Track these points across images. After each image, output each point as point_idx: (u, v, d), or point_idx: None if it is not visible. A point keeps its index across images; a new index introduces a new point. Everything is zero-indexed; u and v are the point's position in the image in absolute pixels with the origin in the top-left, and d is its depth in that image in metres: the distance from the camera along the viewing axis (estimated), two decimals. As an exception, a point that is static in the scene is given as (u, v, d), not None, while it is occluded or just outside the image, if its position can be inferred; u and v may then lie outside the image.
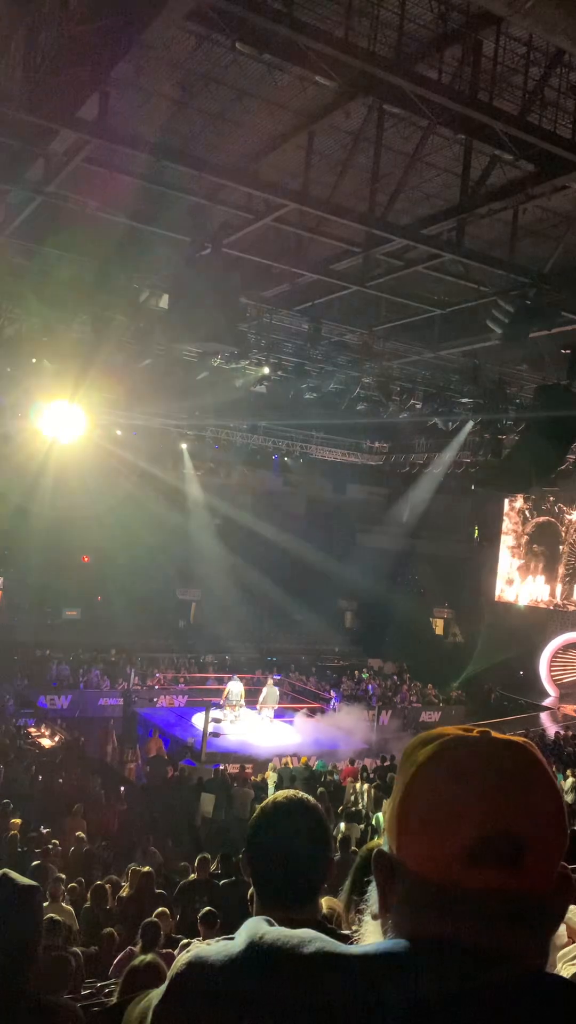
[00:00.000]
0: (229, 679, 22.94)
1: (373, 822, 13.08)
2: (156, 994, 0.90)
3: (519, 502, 31.43)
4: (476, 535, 34.33)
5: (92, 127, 7.87)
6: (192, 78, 8.73)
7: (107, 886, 8.71)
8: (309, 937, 0.87)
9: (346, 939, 0.99)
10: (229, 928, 6.43)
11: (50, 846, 10.34)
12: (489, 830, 0.84)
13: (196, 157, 9.12)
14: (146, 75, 8.50)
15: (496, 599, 32.38)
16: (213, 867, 9.32)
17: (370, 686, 27.36)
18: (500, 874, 0.83)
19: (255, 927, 0.90)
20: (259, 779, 16.23)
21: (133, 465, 29.18)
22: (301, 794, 1.81)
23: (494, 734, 0.93)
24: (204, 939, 6.22)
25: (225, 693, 21.92)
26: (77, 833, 11.25)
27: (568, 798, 14.52)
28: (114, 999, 5.02)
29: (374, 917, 0.94)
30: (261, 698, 22.48)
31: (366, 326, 14.97)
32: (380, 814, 12.68)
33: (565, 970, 3.42)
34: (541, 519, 31.17)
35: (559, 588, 30.45)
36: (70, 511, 28.73)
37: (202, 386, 17.84)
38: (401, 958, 0.83)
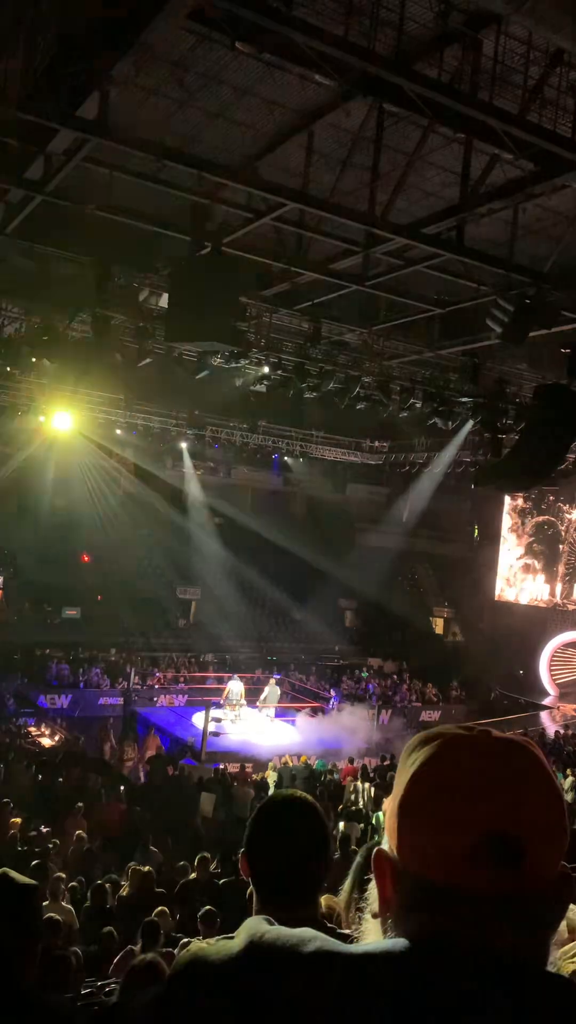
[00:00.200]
0: (229, 678, 22.95)
1: (373, 821, 13.08)
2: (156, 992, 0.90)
3: (519, 501, 31.44)
4: (476, 534, 34.34)
5: (92, 126, 7.87)
6: (192, 77, 8.73)
7: (107, 885, 8.70)
8: (309, 936, 0.87)
9: (346, 938, 0.99)
10: (229, 927, 6.43)
11: (50, 845, 10.34)
12: (489, 831, 0.84)
13: (196, 156, 9.12)
14: (146, 74, 8.49)
15: (496, 598, 32.39)
16: (213, 866, 9.32)
17: (370, 685, 27.36)
18: (500, 875, 0.83)
19: (255, 926, 0.90)
20: (258, 778, 16.23)
21: (133, 464, 29.21)
22: (300, 793, 1.82)
23: (494, 733, 0.93)
24: (204, 938, 6.23)
25: (225, 692, 21.92)
26: (77, 832, 11.25)
27: (568, 797, 14.52)
28: (114, 999, 5.03)
29: (374, 916, 0.94)
30: (262, 697, 22.48)
31: (366, 325, 14.98)
32: (380, 813, 12.67)
33: (565, 968, 3.42)
34: (541, 518, 31.18)
35: (559, 587, 30.46)
36: (70, 511, 28.75)
37: (202, 385, 17.83)
38: (401, 958, 0.83)
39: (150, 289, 13.43)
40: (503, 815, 0.85)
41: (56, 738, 19.05)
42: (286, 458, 28.27)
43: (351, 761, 17.70)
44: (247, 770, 16.88)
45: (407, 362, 17.26)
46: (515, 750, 0.91)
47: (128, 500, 29.92)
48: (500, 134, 7.63)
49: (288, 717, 22.89)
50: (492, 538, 32.78)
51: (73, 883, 8.86)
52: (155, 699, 24.01)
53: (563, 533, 30.45)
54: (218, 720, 20.62)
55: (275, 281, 12.95)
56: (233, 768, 16.90)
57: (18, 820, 11.25)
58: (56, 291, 13.75)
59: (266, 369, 15.85)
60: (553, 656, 30.31)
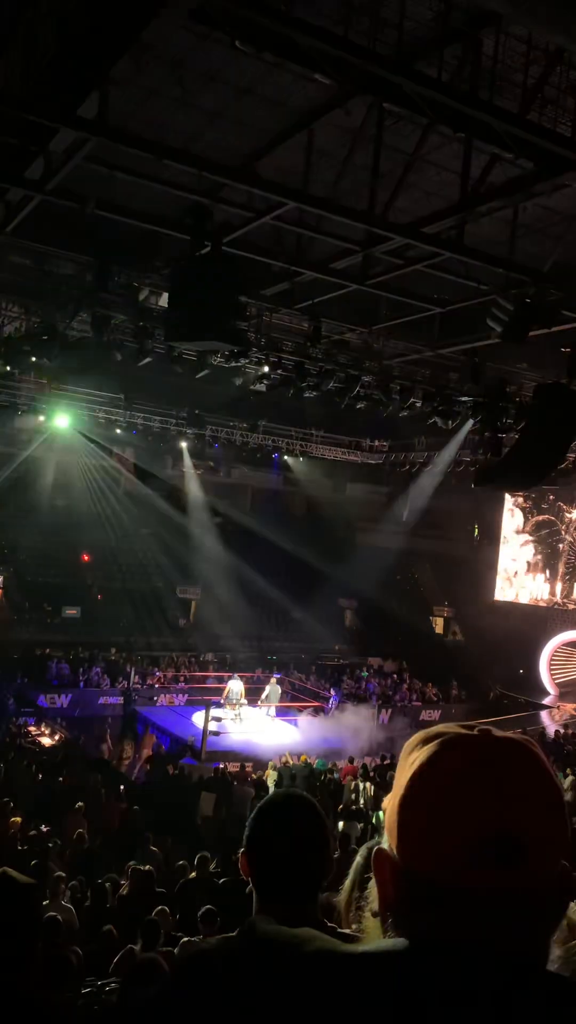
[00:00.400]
0: (229, 678, 22.96)
1: (373, 820, 13.09)
2: (156, 991, 0.90)
3: (519, 500, 31.44)
4: (476, 533, 34.36)
5: (92, 125, 7.86)
6: (192, 76, 8.73)
7: (107, 885, 8.71)
8: (309, 936, 0.87)
9: (347, 938, 0.99)
10: (229, 927, 6.44)
11: (50, 844, 10.34)
12: (489, 831, 0.83)
13: (196, 155, 9.11)
14: (146, 73, 8.50)
15: (496, 598, 32.40)
16: (213, 866, 9.33)
17: (370, 685, 27.37)
18: (501, 874, 0.83)
19: (255, 926, 0.90)
20: (257, 776, 16.23)
21: (133, 464, 29.23)
22: (300, 792, 1.82)
23: (494, 732, 0.93)
24: (204, 938, 6.23)
25: (225, 692, 21.93)
26: (77, 832, 11.26)
27: (568, 796, 14.53)
28: (114, 998, 5.03)
29: (374, 915, 0.94)
30: (264, 696, 22.51)
31: (366, 324, 14.97)
32: (380, 812, 12.66)
33: (565, 967, 3.43)
34: (541, 517, 31.19)
35: (559, 586, 30.47)
36: (70, 510, 28.77)
37: (202, 385, 17.84)
38: (402, 958, 0.83)
39: (150, 288, 13.44)
40: (503, 814, 0.84)
41: (56, 738, 19.06)
42: (286, 457, 28.27)
43: (351, 760, 17.70)
44: (247, 769, 16.89)
45: (407, 361, 17.26)
46: (515, 749, 0.90)
47: (128, 500, 29.94)
48: (500, 133, 7.62)
49: (289, 716, 22.89)
50: (492, 537, 32.80)
51: (73, 882, 8.87)
52: (155, 698, 24.02)
53: (563, 532, 30.47)
54: (218, 720, 20.62)
55: (275, 280, 12.95)
56: (233, 767, 16.91)
57: (18, 819, 11.26)
58: (56, 290, 13.76)
59: (266, 368, 15.85)
60: (553, 655, 30.32)
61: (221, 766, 16.39)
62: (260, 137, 9.73)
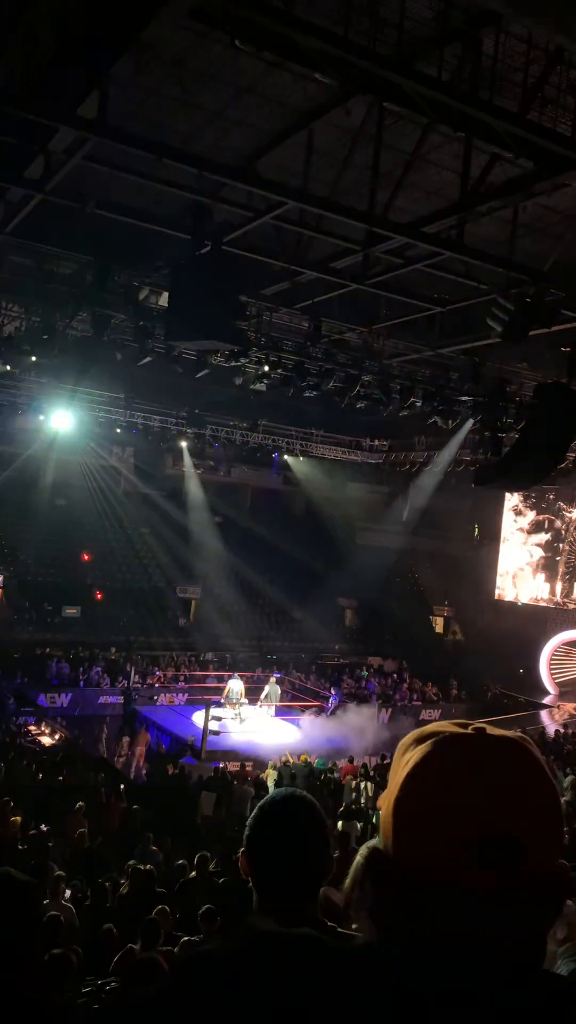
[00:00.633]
0: (229, 677, 22.97)
1: (374, 820, 13.09)
2: (154, 991, 0.89)
3: (519, 500, 31.44)
4: (476, 533, 34.35)
5: (92, 125, 7.86)
6: (192, 76, 8.72)
7: (107, 884, 8.71)
8: (306, 937, 0.87)
9: (346, 938, 0.99)
10: (229, 927, 6.44)
11: (50, 844, 10.35)
12: (485, 831, 0.83)
13: (196, 155, 9.10)
14: (146, 73, 8.49)
15: (496, 597, 32.40)
16: (212, 865, 9.33)
17: (370, 684, 27.37)
18: (497, 873, 0.83)
19: (253, 926, 0.90)
20: (256, 775, 16.22)
21: (133, 463, 29.22)
22: (300, 792, 1.81)
23: (489, 730, 0.92)
24: (204, 937, 6.23)
25: (226, 691, 21.93)
26: (78, 831, 11.26)
27: (568, 796, 14.52)
28: (114, 998, 5.04)
29: (371, 915, 0.94)
30: (263, 695, 22.50)
31: (366, 324, 14.97)
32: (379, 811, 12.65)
33: (564, 967, 3.42)
34: (541, 517, 31.20)
35: (559, 586, 30.47)
36: (70, 509, 28.77)
37: (202, 384, 17.83)
38: (399, 958, 0.83)
39: (150, 288, 13.43)
40: (499, 813, 0.84)
41: (56, 737, 19.06)
42: (286, 457, 28.27)
43: (351, 760, 17.70)
44: (247, 769, 16.89)
45: (407, 361, 17.26)
46: (510, 748, 0.90)
47: (128, 499, 29.94)
48: (500, 133, 7.62)
49: (290, 716, 22.89)
50: (492, 537, 32.80)
51: (74, 881, 8.87)
52: (155, 698, 24.03)
53: (563, 532, 30.47)
54: (219, 719, 20.62)
55: (275, 280, 12.95)
56: (233, 767, 16.91)
57: (18, 819, 11.26)
58: (56, 290, 13.75)
59: (266, 367, 15.84)
60: (553, 655, 30.34)
61: (221, 765, 16.39)
62: (260, 137, 9.72)
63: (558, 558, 30.51)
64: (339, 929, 1.75)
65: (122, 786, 14.93)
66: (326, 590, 30.38)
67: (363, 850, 0.94)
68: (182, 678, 25.72)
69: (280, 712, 22.79)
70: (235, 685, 21.95)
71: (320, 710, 23.21)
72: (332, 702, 24.01)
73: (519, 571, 31.81)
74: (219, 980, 0.84)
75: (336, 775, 16.83)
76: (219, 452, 27.32)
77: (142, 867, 8.63)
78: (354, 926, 1.03)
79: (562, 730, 23.32)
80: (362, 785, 15.58)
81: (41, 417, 21.96)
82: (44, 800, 13.25)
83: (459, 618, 33.54)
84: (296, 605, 30.53)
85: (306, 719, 22.25)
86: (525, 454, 14.76)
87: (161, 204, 10.63)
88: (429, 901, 0.85)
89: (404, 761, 0.92)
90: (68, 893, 8.35)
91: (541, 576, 31.09)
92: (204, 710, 19.99)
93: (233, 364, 15.64)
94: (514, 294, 10.48)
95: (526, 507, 31.34)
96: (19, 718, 20.22)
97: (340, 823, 12.85)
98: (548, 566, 30.85)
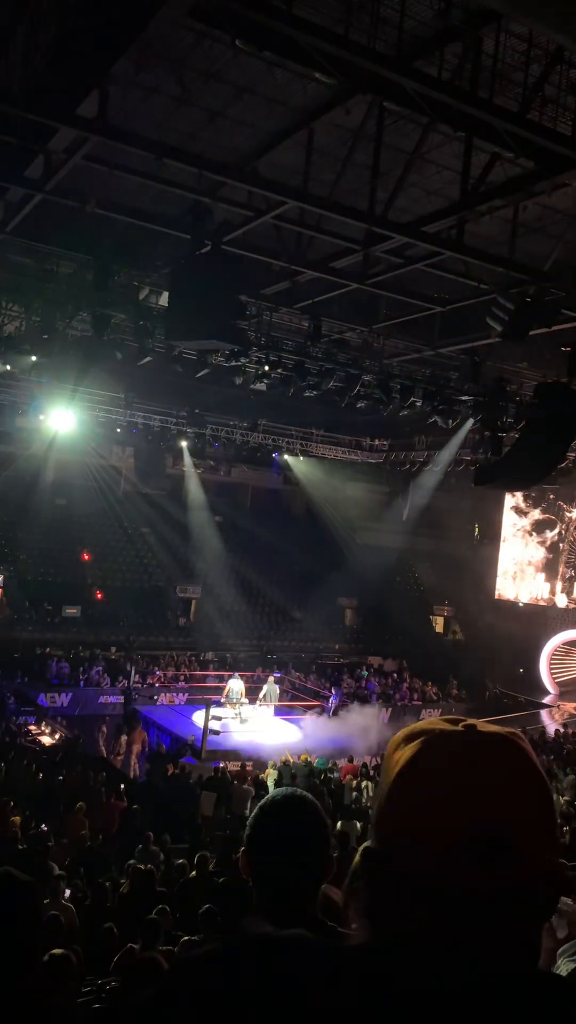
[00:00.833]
0: (230, 677, 22.97)
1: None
2: (145, 998, 0.88)
3: (519, 500, 31.44)
4: (476, 533, 34.35)
5: (92, 124, 7.86)
6: (192, 75, 8.72)
7: (107, 884, 8.71)
8: (297, 937, 0.87)
9: (344, 937, 0.99)
10: (229, 926, 6.43)
11: (51, 843, 10.34)
12: (475, 831, 0.82)
13: (196, 154, 9.11)
14: (146, 72, 8.49)
15: (496, 597, 32.40)
16: (212, 865, 9.32)
17: (370, 684, 27.36)
18: (488, 874, 0.82)
19: (246, 928, 0.90)
20: (256, 775, 16.22)
21: (133, 463, 29.21)
22: (300, 791, 1.81)
23: (479, 727, 0.91)
24: (204, 937, 6.23)
25: (226, 691, 21.93)
26: (78, 831, 11.26)
27: (568, 796, 14.53)
28: (114, 998, 5.04)
29: (364, 915, 0.93)
30: (261, 695, 22.48)
31: (366, 324, 14.97)
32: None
33: (564, 966, 3.42)
34: (541, 517, 31.19)
35: (559, 586, 30.47)
36: (70, 509, 28.77)
37: (202, 384, 17.83)
38: (390, 958, 0.82)
39: (150, 287, 13.43)
40: (489, 811, 0.83)
41: (56, 736, 19.06)
42: (286, 457, 28.27)
43: (350, 759, 17.70)
44: (248, 768, 16.88)
45: (407, 360, 17.27)
46: (500, 744, 0.89)
47: (128, 498, 29.93)
48: (500, 132, 7.62)
49: (290, 716, 22.88)
50: (492, 536, 32.80)
51: (74, 881, 8.86)
52: (155, 697, 24.02)
53: (563, 531, 30.47)
54: (219, 719, 20.61)
55: (275, 279, 12.95)
56: (233, 767, 16.90)
57: (18, 819, 11.26)
58: (56, 289, 13.75)
59: (266, 368, 15.84)
60: (553, 654, 30.34)
61: (221, 765, 16.38)
62: (260, 136, 9.72)
63: (558, 558, 30.52)
64: (339, 929, 1.75)
65: (122, 785, 14.92)
66: (326, 590, 30.39)
67: (362, 848, 0.94)
68: (182, 678, 25.72)
69: (280, 712, 22.78)
70: (235, 685, 21.95)
71: (321, 710, 23.20)
72: (333, 701, 24.00)
73: (519, 571, 31.81)
74: (207, 986, 0.83)
75: (336, 775, 16.82)
76: (219, 452, 27.32)
77: (142, 867, 8.62)
78: (354, 926, 1.03)
79: (562, 730, 23.32)
80: (362, 784, 15.57)
81: (41, 417, 21.94)
82: (44, 800, 13.24)
83: (459, 618, 33.54)
84: (296, 605, 30.54)
85: (308, 719, 22.24)
86: (525, 454, 14.77)
87: (161, 204, 10.64)
88: (422, 900, 0.84)
89: (394, 760, 0.91)
90: (68, 893, 8.34)
91: (541, 576, 31.09)
92: (204, 710, 19.98)
93: (233, 364, 15.64)
94: (514, 293, 10.48)
95: (528, 506, 31.33)
96: (19, 718, 20.21)
97: (340, 823, 12.84)
98: (548, 566, 30.85)
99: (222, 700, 21.63)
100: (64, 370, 17.23)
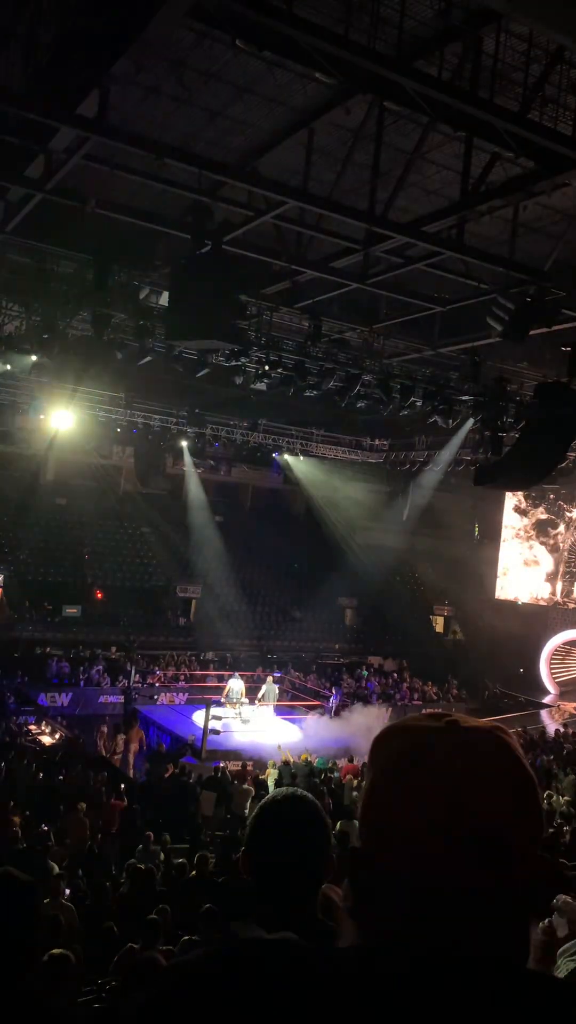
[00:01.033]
0: (230, 676, 22.97)
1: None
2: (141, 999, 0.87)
3: (519, 500, 31.43)
4: (476, 532, 34.34)
5: (92, 124, 7.86)
6: (192, 75, 8.71)
7: (107, 883, 8.71)
8: (286, 941, 0.86)
9: (334, 938, 0.99)
10: (228, 926, 6.43)
11: (51, 843, 10.34)
12: (460, 830, 0.81)
13: (196, 154, 9.11)
14: (146, 72, 8.48)
15: (496, 597, 32.40)
16: (212, 865, 9.33)
17: (370, 684, 27.36)
18: (475, 873, 0.81)
19: (238, 932, 0.89)
20: (256, 774, 16.22)
21: (133, 462, 29.20)
22: (300, 791, 1.81)
23: (461, 723, 0.90)
24: (204, 937, 6.24)
25: (226, 691, 21.93)
26: (78, 831, 11.26)
27: (568, 796, 14.53)
28: (114, 997, 5.04)
29: (352, 915, 0.92)
30: (260, 695, 22.48)
31: (366, 323, 14.97)
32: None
33: (565, 966, 3.42)
34: (541, 516, 31.19)
35: (559, 585, 30.47)
36: (70, 508, 28.77)
37: (202, 383, 17.82)
38: (378, 959, 0.81)
39: (150, 287, 13.42)
40: (473, 813, 0.82)
41: (56, 736, 19.06)
42: (286, 457, 28.27)
43: (351, 759, 17.69)
44: (248, 768, 16.88)
45: (407, 360, 17.26)
46: (483, 739, 0.88)
47: (128, 498, 29.94)
48: (501, 132, 7.62)
49: (290, 716, 22.87)
50: (492, 536, 32.79)
51: (76, 881, 8.87)
52: (155, 697, 24.03)
53: (564, 531, 30.47)
54: (219, 718, 20.61)
55: (275, 279, 12.95)
56: (234, 767, 16.90)
57: (18, 819, 11.26)
58: (56, 289, 13.74)
59: (266, 367, 15.84)
60: (553, 654, 30.34)
61: (221, 765, 16.38)
62: (260, 136, 9.72)
63: (558, 557, 30.52)
64: (337, 928, 1.75)
65: (122, 785, 14.93)
66: (326, 590, 30.39)
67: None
68: (182, 677, 25.72)
69: (280, 711, 22.78)
70: (235, 684, 21.95)
71: (322, 710, 23.20)
72: (333, 701, 24.00)
73: (519, 570, 31.80)
74: (196, 992, 0.82)
75: (336, 774, 16.82)
76: (219, 452, 27.31)
77: (142, 867, 8.63)
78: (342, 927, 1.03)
79: (562, 730, 23.32)
80: (363, 784, 15.58)
81: (41, 417, 21.95)
82: (44, 800, 13.25)
83: (459, 617, 33.54)
84: (296, 605, 30.54)
85: (310, 719, 22.22)
86: (525, 453, 14.77)
87: (161, 203, 10.63)
88: (407, 900, 0.83)
89: (376, 761, 0.91)
90: (68, 893, 8.35)
91: (542, 576, 31.08)
92: (204, 709, 19.98)
93: (233, 364, 15.63)
94: (514, 293, 10.48)
95: (528, 506, 31.32)
96: (19, 717, 20.22)
97: (340, 823, 12.84)
98: (549, 566, 30.84)
99: (222, 700, 21.63)
100: (64, 370, 17.24)
